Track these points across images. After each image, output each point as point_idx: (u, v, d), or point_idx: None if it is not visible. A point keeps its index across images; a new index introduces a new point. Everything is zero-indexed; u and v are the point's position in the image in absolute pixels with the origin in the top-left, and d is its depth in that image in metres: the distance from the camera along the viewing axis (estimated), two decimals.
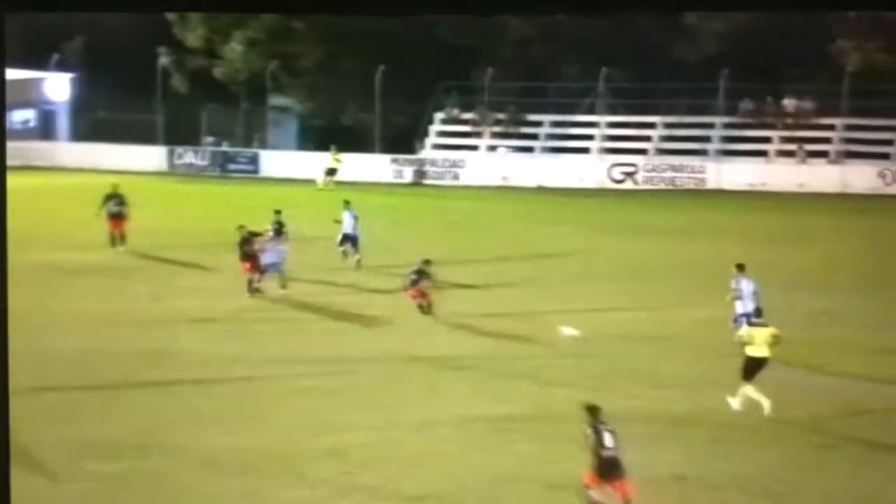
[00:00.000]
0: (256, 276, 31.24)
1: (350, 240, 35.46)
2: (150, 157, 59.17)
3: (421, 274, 29.35)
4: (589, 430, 17.41)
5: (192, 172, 57.74)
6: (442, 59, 56.26)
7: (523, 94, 57.12)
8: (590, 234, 40.44)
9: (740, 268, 26.06)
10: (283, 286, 31.46)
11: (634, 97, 53.90)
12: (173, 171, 57.72)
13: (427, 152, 57.75)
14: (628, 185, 52.39)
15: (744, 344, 22.02)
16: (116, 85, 60.13)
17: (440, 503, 17.66)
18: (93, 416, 21.36)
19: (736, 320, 24.89)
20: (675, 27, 53.28)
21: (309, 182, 52.01)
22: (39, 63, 64.11)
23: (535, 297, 30.39)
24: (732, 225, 41.57)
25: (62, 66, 65.25)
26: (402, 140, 57.72)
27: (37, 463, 18.85)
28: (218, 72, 60.56)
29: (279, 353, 25.21)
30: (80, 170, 56.38)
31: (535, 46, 57.03)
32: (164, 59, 60.69)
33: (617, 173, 53.57)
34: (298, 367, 24.09)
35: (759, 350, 21.93)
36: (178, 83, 61.19)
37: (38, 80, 66.01)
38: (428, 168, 56.17)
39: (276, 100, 62.91)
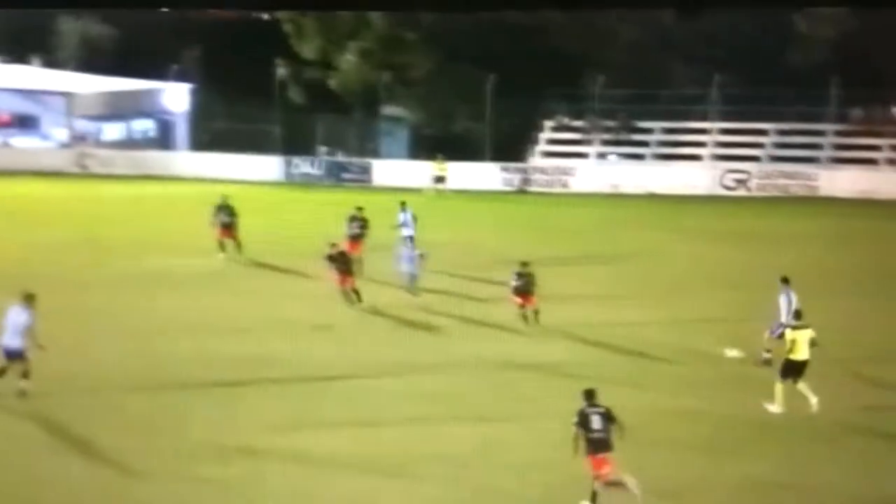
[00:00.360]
0: (348, 287, 31.13)
1: (410, 240, 36.47)
2: (267, 166, 59.91)
3: (523, 277, 29.05)
4: (575, 417, 18.08)
5: (306, 181, 58.32)
6: (551, 66, 56.45)
7: (633, 100, 56.81)
8: (698, 243, 40.23)
9: (785, 281, 25.61)
10: (414, 293, 31.62)
11: (746, 104, 53.67)
12: (289, 181, 58.46)
13: (536, 160, 57.89)
14: (740, 192, 52.44)
15: (787, 349, 22.15)
16: (234, 95, 61.27)
17: None
18: (204, 419, 21.79)
19: (773, 331, 24.79)
20: (785, 34, 53.73)
21: (420, 191, 52.27)
22: (159, 73, 65.31)
23: (640, 306, 30.32)
24: (842, 232, 41.44)
25: (181, 77, 66.23)
26: (512, 148, 57.81)
27: (147, 467, 19.35)
28: (332, 82, 61.47)
29: (386, 358, 25.51)
30: (199, 179, 57.34)
31: (646, 53, 57.13)
32: (280, 71, 61.59)
33: (729, 180, 53.51)
34: (405, 372, 24.38)
35: (800, 353, 22.19)
36: (295, 94, 62.09)
37: (158, 91, 67.35)
38: (537, 176, 56.25)
39: (388, 109, 63.80)
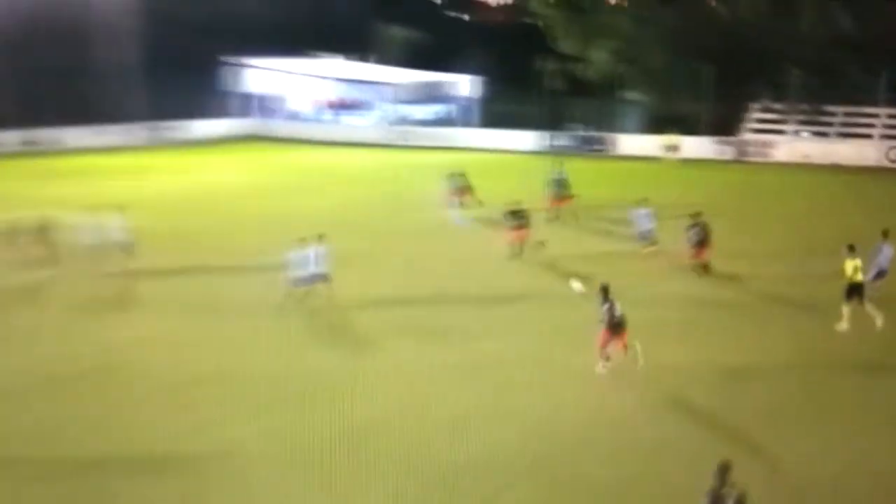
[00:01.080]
0: (518, 244, 31.87)
1: (561, 185, 38.72)
2: (532, 139, 64.77)
3: (699, 229, 29.38)
4: (604, 306, 20.70)
5: (562, 151, 61.09)
6: (758, 60, 60.86)
7: (822, 89, 60.11)
8: (869, 205, 42.24)
9: (885, 234, 25.71)
10: (652, 244, 32.33)
11: None
12: (549, 151, 61.79)
13: (745, 135, 61.86)
14: None
15: (848, 275, 23.72)
16: (511, 84, 67.86)
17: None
18: (476, 332, 24.22)
19: (870, 276, 24.98)
20: None
21: (651, 159, 57.31)
22: (458, 68, 73.46)
23: (805, 260, 31.53)
24: None
25: (474, 70, 73.20)
26: (726, 125, 61.85)
27: (428, 365, 21.82)
28: (585, 73, 67.23)
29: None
30: (484, 150, 63.51)
31: (832, 51, 59.93)
32: (545, 64, 66.89)
33: (893, 154, 57.39)
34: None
35: (857, 277, 23.76)
36: (555, 82, 66.91)
37: (455, 82, 74.77)
38: (745, 147, 60.41)
39: (626, 94, 68.54)
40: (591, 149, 64.19)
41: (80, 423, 19.07)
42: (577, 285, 24.44)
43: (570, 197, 39.18)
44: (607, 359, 20.99)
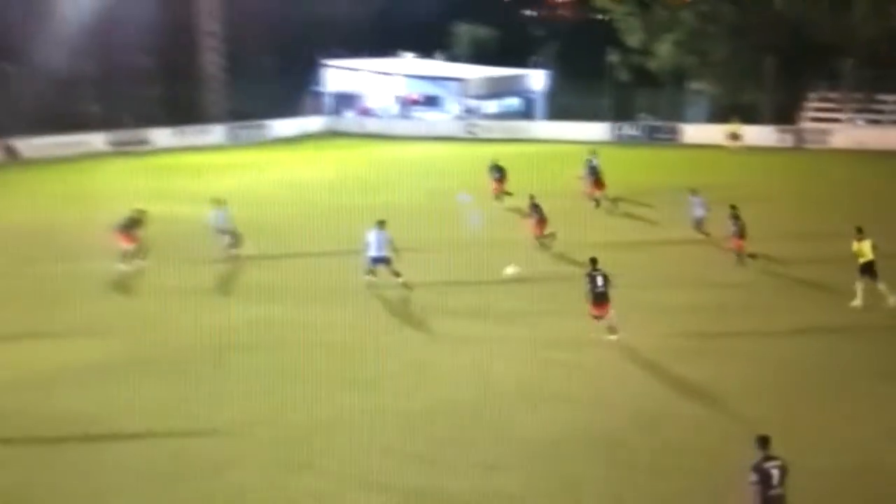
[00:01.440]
0: (542, 233, 32.73)
1: (595, 174, 40.23)
2: (600, 130, 65.84)
3: (737, 220, 29.95)
4: (587, 278, 21.72)
5: (629, 141, 64.21)
6: (815, 53, 63.20)
7: (875, 79, 62.06)
8: None
9: None
10: (705, 231, 33.14)
11: None
12: (616, 141, 63.91)
13: (804, 123, 64.53)
14: None
15: (857, 255, 25.04)
16: (577, 77, 69.44)
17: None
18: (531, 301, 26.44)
19: None
20: None
21: (716, 147, 58.56)
22: (524, 63, 76.83)
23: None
24: None
25: (540, 65, 76.12)
26: (785, 114, 64.31)
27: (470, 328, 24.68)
28: (651, 65, 69.50)
29: (671, 277, 29.45)
30: (552, 141, 64.12)
31: (883, 43, 61.89)
32: (612, 57, 68.97)
33: None
34: (680, 287, 28.29)
35: (866, 256, 25.02)
36: (621, 74, 69.49)
37: (524, 76, 77.53)
38: (804, 135, 62.77)
39: (692, 85, 70.80)
40: (658, 138, 65.87)
41: (200, 396, 20.98)
42: (511, 270, 26.14)
43: (604, 184, 40.65)
44: (598, 327, 22.29)
